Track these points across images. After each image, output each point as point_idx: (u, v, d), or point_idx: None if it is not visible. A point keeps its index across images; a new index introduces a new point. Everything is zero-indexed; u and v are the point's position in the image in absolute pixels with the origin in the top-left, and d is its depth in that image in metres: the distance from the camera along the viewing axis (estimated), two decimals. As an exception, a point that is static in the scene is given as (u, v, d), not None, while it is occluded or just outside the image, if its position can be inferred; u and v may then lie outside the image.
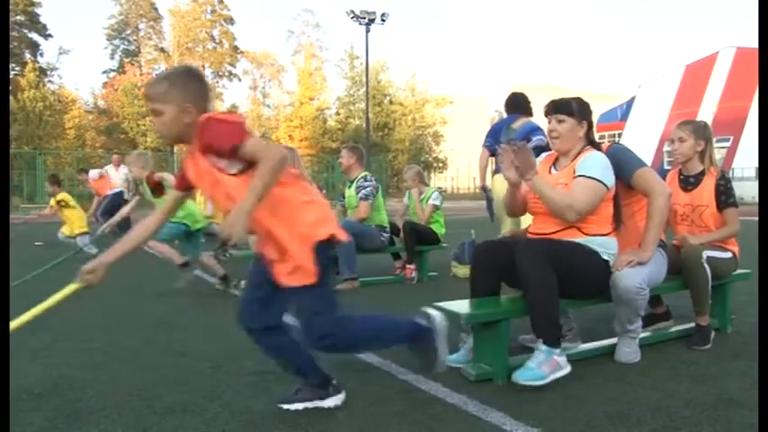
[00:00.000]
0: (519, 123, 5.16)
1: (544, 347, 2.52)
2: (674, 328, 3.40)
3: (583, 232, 2.75)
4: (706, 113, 37.68)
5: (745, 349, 3.07)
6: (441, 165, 48.56)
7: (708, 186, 3.31)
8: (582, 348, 3.04)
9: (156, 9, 49.73)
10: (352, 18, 32.17)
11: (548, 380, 2.46)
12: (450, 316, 2.63)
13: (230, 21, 51.13)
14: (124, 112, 44.44)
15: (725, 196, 3.28)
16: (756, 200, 4.29)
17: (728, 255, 3.33)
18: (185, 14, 48.41)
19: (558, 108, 2.87)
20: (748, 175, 29.26)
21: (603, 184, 2.72)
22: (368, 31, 32.26)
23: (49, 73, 43.24)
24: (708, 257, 3.16)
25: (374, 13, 32.29)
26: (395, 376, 2.70)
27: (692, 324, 3.32)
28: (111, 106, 45.80)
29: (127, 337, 3.53)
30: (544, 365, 2.48)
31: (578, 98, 2.93)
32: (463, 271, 5.61)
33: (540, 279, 2.54)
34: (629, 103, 44.90)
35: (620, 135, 44.23)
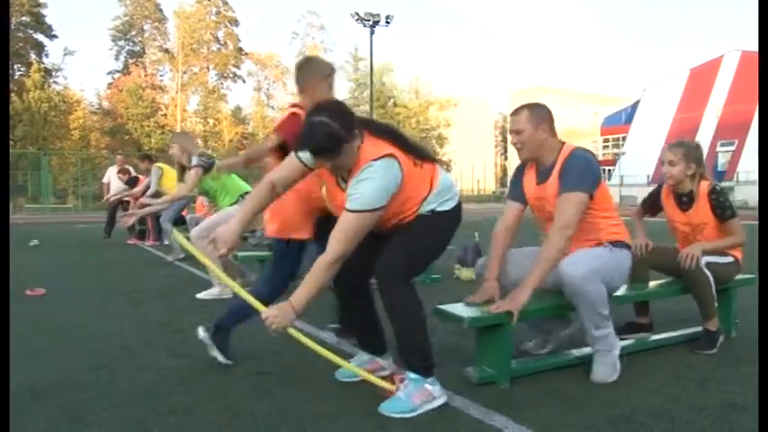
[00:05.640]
0: None
1: (414, 376, 2.37)
2: (677, 332, 3.38)
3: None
4: (710, 117, 37.64)
5: (748, 354, 3.05)
6: (444, 167, 48.56)
7: (702, 203, 3.26)
8: (584, 352, 3.02)
9: (160, 10, 49.96)
10: (357, 20, 32.19)
11: (417, 412, 2.28)
12: (453, 319, 2.63)
13: (235, 22, 51.31)
14: (128, 113, 44.57)
15: (720, 209, 3.22)
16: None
17: (729, 259, 3.30)
18: (190, 16, 48.56)
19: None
20: (753, 179, 29.19)
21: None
22: (372, 33, 32.28)
23: (54, 74, 43.42)
24: (707, 263, 3.14)
25: (378, 15, 32.29)
26: (397, 379, 2.69)
27: (691, 329, 3.33)
28: (116, 107, 45.95)
29: (129, 337, 3.53)
30: (414, 395, 2.31)
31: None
32: (466, 274, 5.60)
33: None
34: (634, 107, 44.85)
35: (624, 139, 44.20)
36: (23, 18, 41.23)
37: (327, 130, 2.25)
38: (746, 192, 28.61)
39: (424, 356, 2.40)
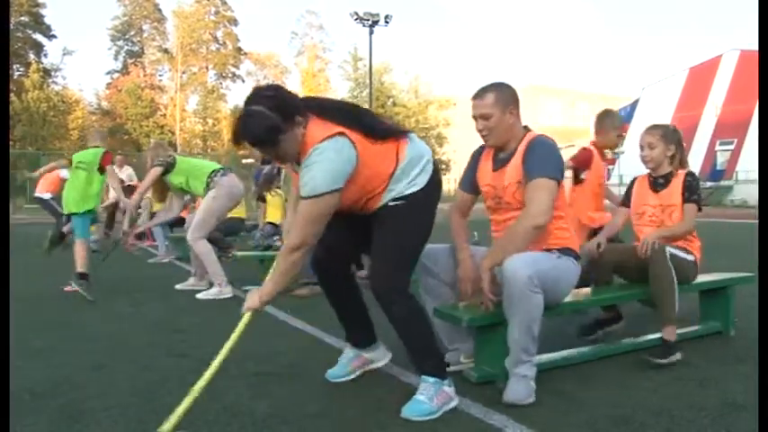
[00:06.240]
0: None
1: (432, 379, 2.32)
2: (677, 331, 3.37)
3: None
4: (710, 116, 37.65)
5: (748, 353, 3.05)
6: (444, 167, 48.59)
7: (676, 185, 3.23)
8: (584, 351, 3.03)
9: (159, 10, 49.91)
10: (356, 20, 32.16)
11: (438, 414, 2.24)
12: (452, 319, 2.63)
13: (234, 22, 51.26)
14: (127, 113, 44.56)
15: (688, 192, 3.19)
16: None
17: (691, 258, 3.20)
18: (189, 15, 48.53)
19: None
20: (753, 178, 29.20)
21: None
22: (371, 32, 32.26)
23: (53, 74, 43.37)
24: (671, 254, 2.98)
25: (378, 14, 32.27)
26: (397, 378, 2.70)
27: (689, 328, 3.30)
28: (115, 107, 45.94)
29: (128, 337, 3.53)
30: (436, 398, 2.28)
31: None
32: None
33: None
34: (633, 106, 44.84)
35: (623, 138, 44.09)
36: (22, 18, 41.18)
37: (261, 120, 2.14)
38: (746, 191, 28.61)
39: (435, 361, 2.39)
